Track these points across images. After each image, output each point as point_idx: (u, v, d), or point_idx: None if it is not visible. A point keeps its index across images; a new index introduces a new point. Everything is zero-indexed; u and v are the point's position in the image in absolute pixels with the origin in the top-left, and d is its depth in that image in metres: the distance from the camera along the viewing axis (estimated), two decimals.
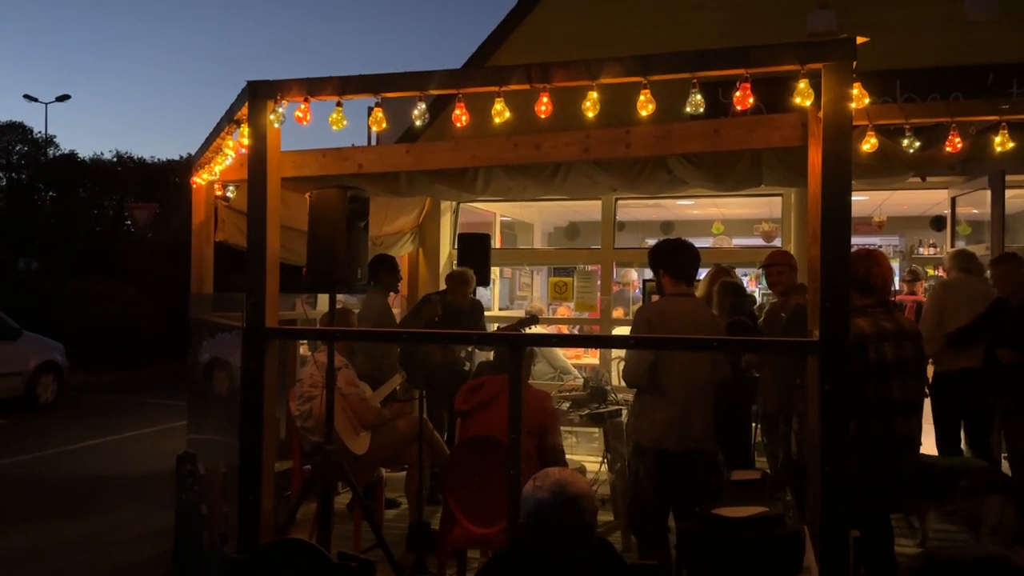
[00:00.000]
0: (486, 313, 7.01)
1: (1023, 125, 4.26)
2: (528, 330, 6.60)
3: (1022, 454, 5.11)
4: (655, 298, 4.41)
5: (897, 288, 7.96)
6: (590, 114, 3.42)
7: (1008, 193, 5.95)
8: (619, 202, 7.79)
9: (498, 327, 6.35)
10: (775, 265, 5.17)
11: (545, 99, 3.45)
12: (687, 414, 3.82)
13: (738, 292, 5.49)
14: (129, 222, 19.86)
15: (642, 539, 4.07)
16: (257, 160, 3.76)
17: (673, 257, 4.04)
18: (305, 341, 6.30)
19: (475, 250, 6.89)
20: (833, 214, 3.08)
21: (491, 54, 7.91)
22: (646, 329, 3.91)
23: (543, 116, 3.48)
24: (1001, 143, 4.14)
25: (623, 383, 7.62)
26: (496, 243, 9.12)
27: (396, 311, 6.51)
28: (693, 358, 3.87)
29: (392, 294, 6.52)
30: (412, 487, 4.88)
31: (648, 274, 9.41)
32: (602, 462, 5.86)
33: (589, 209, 8.79)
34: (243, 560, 3.11)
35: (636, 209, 10.18)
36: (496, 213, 9.54)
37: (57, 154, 23.95)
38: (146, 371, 15.16)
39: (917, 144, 4.18)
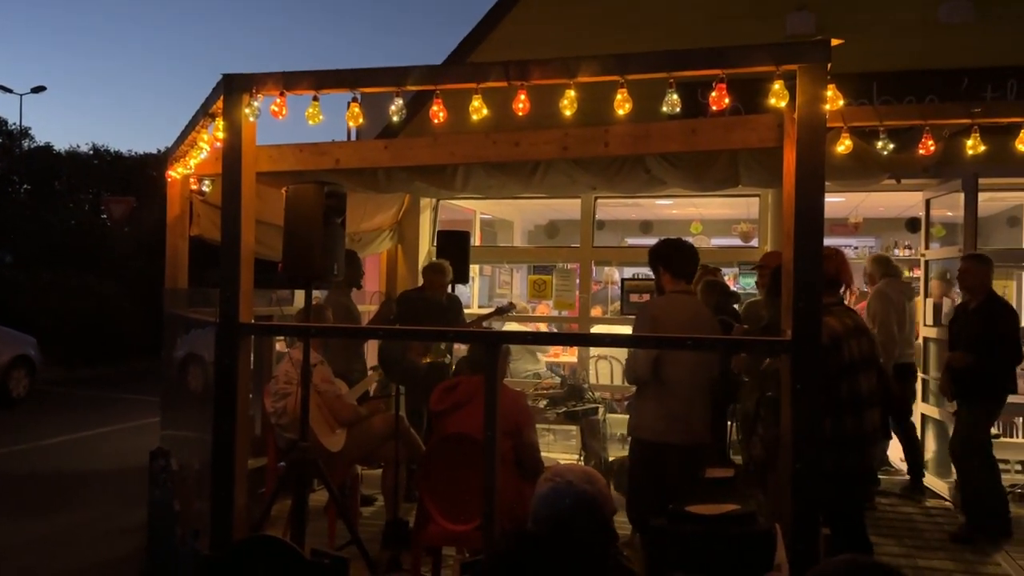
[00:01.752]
0: (465, 310, 7.00)
1: (995, 128, 4.32)
2: (504, 320, 6.60)
3: (958, 455, 5.27)
4: (650, 296, 4.47)
5: (865, 289, 8.04)
6: (568, 112, 3.44)
7: (981, 196, 6.02)
8: (598, 201, 7.81)
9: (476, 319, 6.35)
10: (761, 267, 5.26)
11: (523, 96, 3.46)
12: (690, 409, 3.93)
13: (723, 291, 5.55)
14: (105, 216, 19.63)
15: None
16: (232, 154, 3.73)
17: (674, 256, 4.17)
18: (282, 337, 6.26)
19: (454, 247, 6.88)
20: (806, 214, 3.11)
21: (471, 52, 7.89)
22: (650, 325, 3.98)
23: (521, 114, 3.49)
24: (973, 146, 4.20)
25: (601, 381, 7.70)
26: (476, 240, 9.11)
27: (372, 308, 6.47)
28: (696, 355, 3.95)
29: (359, 290, 6.46)
30: (388, 484, 4.86)
31: (627, 273, 9.50)
32: (578, 460, 5.88)
33: (569, 208, 8.80)
34: (215, 557, 3.09)
35: (615, 208, 10.20)
36: (476, 211, 9.53)
37: (32, 146, 23.60)
38: (121, 366, 15.00)
39: (891, 146, 4.23)
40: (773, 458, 3.83)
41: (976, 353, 5.06)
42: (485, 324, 6.15)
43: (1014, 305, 6.94)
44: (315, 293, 4.64)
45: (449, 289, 6.39)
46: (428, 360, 5.85)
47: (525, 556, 2.10)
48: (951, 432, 6.01)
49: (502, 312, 6.67)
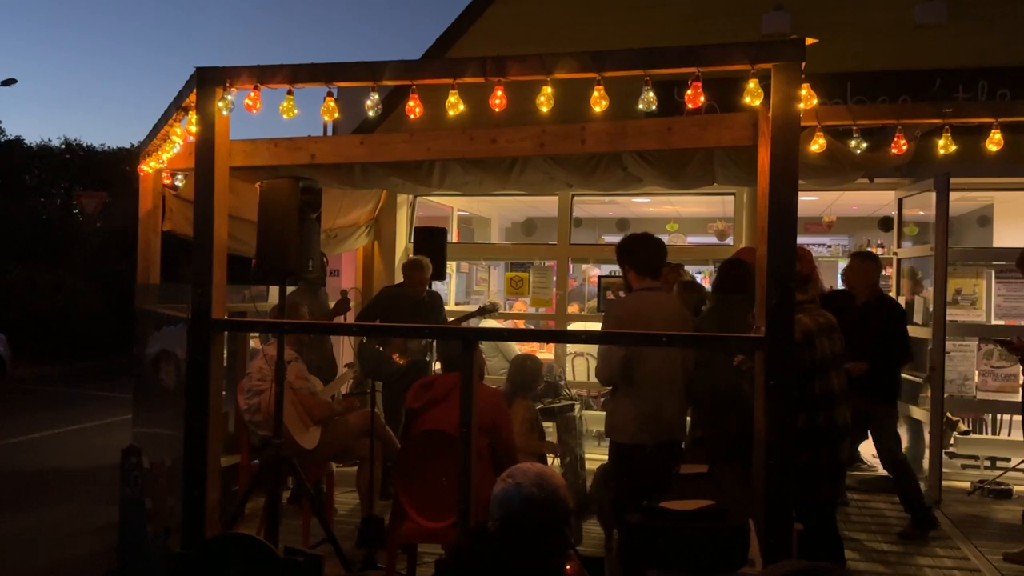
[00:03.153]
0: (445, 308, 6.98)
1: (966, 129, 4.38)
2: (480, 318, 6.58)
3: (892, 456, 5.22)
4: (619, 295, 4.43)
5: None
6: (544, 108, 3.43)
7: (952, 195, 6.10)
8: (576, 199, 7.82)
9: (459, 317, 6.34)
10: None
11: (499, 92, 3.45)
12: (660, 408, 3.86)
13: (698, 290, 5.57)
14: (77, 211, 19.34)
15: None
16: (204, 148, 3.69)
17: (638, 252, 4.05)
18: (257, 334, 6.21)
19: (431, 244, 6.86)
20: (779, 212, 3.12)
21: (449, 47, 7.87)
22: (616, 326, 3.93)
23: (497, 110, 3.48)
24: (944, 146, 4.25)
25: (578, 379, 7.72)
26: (453, 237, 9.10)
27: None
28: (664, 352, 3.90)
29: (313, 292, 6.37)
30: (363, 482, 4.84)
31: (605, 270, 9.52)
32: (555, 457, 5.88)
33: (546, 205, 8.82)
34: (187, 554, 3.06)
35: (593, 206, 10.24)
36: (454, 208, 9.52)
37: (2, 140, 23.21)
38: (93, 363, 14.79)
39: (864, 145, 4.27)
40: (715, 454, 3.84)
41: (867, 355, 5.05)
42: (467, 324, 6.14)
43: (983, 303, 7.06)
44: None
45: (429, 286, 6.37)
46: (407, 360, 5.81)
47: (483, 552, 2.18)
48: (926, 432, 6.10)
49: (485, 312, 6.64)
